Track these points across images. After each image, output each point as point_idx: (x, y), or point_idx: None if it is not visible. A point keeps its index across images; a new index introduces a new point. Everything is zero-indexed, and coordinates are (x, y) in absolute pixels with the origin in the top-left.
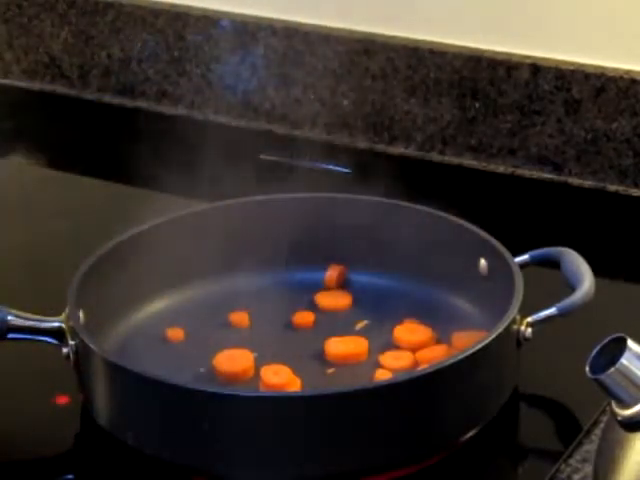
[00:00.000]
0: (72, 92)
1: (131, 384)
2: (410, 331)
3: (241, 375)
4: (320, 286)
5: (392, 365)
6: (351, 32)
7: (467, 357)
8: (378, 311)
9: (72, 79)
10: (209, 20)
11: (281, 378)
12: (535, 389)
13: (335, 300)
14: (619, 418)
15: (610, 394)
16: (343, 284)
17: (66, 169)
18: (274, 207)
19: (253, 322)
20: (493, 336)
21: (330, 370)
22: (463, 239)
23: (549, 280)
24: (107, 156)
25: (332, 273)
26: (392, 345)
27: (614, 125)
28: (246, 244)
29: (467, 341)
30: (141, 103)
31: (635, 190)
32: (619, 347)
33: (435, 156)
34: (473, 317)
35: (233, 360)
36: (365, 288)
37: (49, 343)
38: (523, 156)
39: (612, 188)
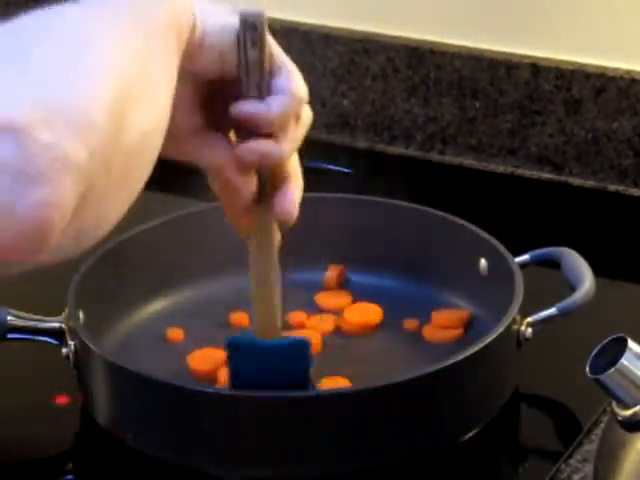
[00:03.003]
0: None
1: (131, 384)
2: None
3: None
4: (320, 286)
5: None
6: (351, 32)
7: (467, 357)
8: None
9: None
10: None
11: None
12: (535, 389)
13: (335, 300)
14: (619, 418)
15: (610, 394)
16: (343, 284)
17: None
18: None
19: (253, 322)
20: (493, 336)
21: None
22: (463, 239)
23: (549, 280)
24: None
25: (332, 273)
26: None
27: (614, 125)
28: (246, 244)
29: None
30: None
31: (635, 190)
32: (619, 347)
33: (435, 156)
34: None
35: (206, 359)
36: (365, 288)
37: (49, 343)
38: (523, 156)
39: (612, 188)
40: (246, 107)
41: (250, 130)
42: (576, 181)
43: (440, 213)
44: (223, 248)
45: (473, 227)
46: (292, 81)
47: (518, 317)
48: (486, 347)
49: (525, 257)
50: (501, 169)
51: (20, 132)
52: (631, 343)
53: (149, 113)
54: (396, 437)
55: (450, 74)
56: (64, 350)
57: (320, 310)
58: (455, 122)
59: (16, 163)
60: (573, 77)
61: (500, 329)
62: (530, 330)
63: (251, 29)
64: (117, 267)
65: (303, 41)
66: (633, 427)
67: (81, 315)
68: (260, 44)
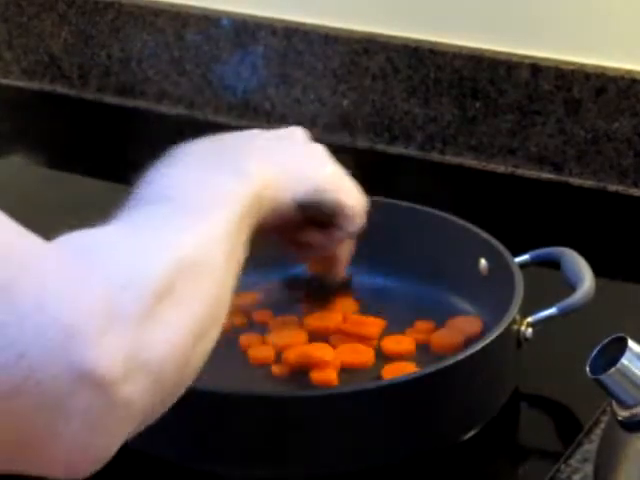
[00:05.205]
0: (72, 92)
1: None
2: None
3: None
4: None
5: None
6: (351, 32)
7: (467, 357)
8: (378, 311)
9: (72, 79)
10: (209, 20)
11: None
12: (535, 389)
13: None
14: (619, 418)
15: (610, 394)
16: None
17: (66, 169)
18: None
19: (253, 322)
20: (493, 336)
21: None
22: (463, 239)
23: (549, 280)
24: (107, 156)
25: None
26: None
27: (614, 125)
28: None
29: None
30: (141, 103)
31: (635, 190)
32: (619, 347)
33: (435, 156)
34: None
35: None
36: (365, 289)
37: None
38: (523, 156)
39: (612, 188)
40: (311, 239)
41: None
42: (576, 181)
43: (440, 213)
44: None
45: (473, 227)
46: (351, 224)
47: (518, 317)
48: (486, 347)
49: (525, 257)
50: (501, 169)
51: (106, 387)
52: (631, 343)
53: (212, 340)
54: (396, 437)
55: (450, 74)
56: None
57: None
58: (455, 122)
59: (91, 416)
60: (573, 77)
61: (500, 329)
62: (530, 330)
63: None
64: None
65: (303, 41)
66: (633, 427)
67: None
68: None
